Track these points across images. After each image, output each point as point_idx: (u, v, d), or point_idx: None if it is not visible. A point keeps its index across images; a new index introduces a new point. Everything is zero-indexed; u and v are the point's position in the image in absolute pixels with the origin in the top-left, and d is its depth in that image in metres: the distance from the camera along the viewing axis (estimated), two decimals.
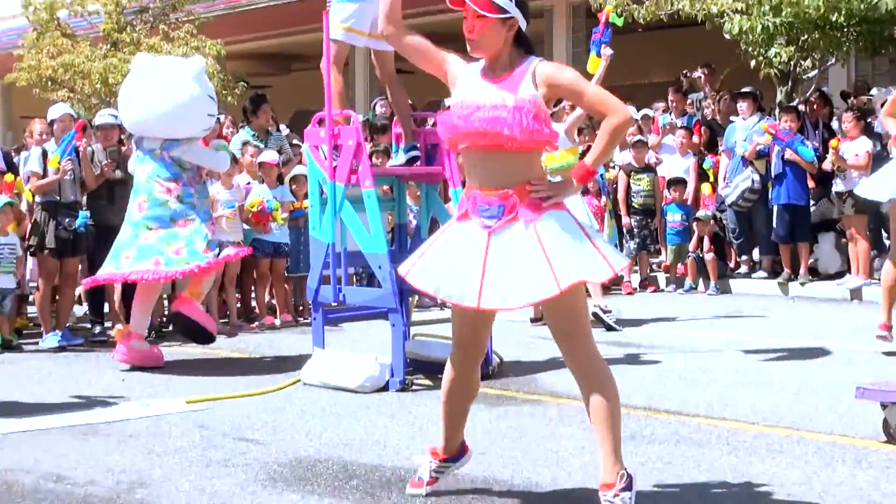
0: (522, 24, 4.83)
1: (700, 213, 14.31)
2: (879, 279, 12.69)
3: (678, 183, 14.46)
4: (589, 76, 10.90)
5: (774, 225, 13.78)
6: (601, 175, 14.46)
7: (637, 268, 14.72)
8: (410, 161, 8.47)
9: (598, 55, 9.78)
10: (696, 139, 15.13)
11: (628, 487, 4.70)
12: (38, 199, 10.56)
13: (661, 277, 14.80)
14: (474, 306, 4.69)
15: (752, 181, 13.78)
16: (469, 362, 5.08)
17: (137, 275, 8.99)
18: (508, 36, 4.80)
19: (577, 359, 4.85)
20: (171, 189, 9.18)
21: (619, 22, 10.82)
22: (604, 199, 14.48)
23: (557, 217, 4.73)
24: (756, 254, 14.56)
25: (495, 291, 4.64)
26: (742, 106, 14.26)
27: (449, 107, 5.22)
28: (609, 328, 10.41)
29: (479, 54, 4.86)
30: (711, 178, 14.88)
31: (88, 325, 11.24)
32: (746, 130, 13.97)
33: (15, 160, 12.02)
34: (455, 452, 5.30)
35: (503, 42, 4.79)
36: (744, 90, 14.40)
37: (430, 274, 4.87)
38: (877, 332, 9.02)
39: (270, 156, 12.16)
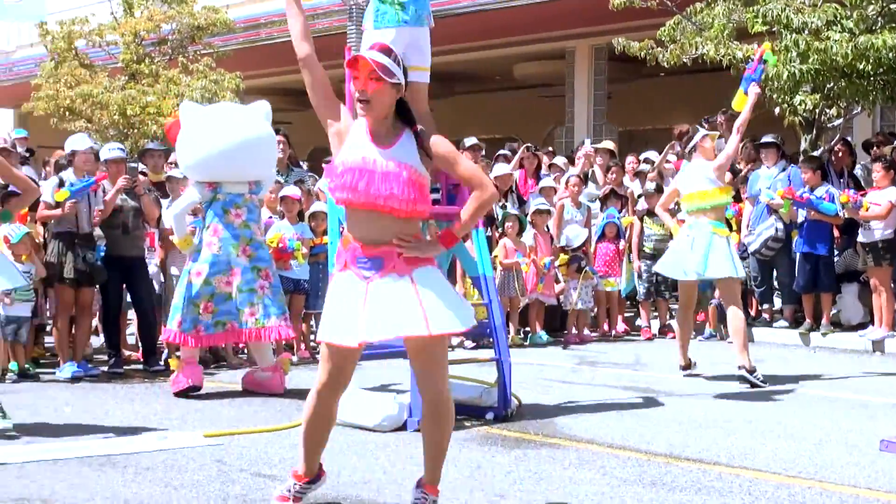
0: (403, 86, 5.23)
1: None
2: None
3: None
4: (733, 114, 11.17)
5: (797, 274, 13.71)
6: (617, 219, 14.43)
7: (657, 313, 14.64)
8: (432, 201, 8.45)
9: (746, 92, 9.80)
10: None
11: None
12: (52, 229, 10.56)
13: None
14: (354, 345, 5.13)
15: (776, 230, 13.71)
16: (330, 391, 5.42)
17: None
18: (395, 98, 5.19)
19: (428, 390, 5.35)
20: (261, 232, 9.66)
21: (773, 61, 10.83)
22: (622, 242, 14.45)
23: (429, 272, 5.20)
24: (777, 302, 14.48)
25: (372, 327, 5.08)
26: (765, 154, 14.19)
27: (330, 160, 5.76)
28: (754, 386, 9.93)
29: (369, 115, 5.19)
30: (734, 227, 14.78)
31: (105, 357, 11.22)
32: (770, 179, 13.89)
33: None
34: (314, 475, 5.67)
35: (391, 104, 5.19)
36: (766, 140, 14.30)
37: (323, 323, 5.30)
38: None
39: (293, 191, 12.16)
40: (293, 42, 5.47)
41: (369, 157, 5.12)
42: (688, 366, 10.62)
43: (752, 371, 9.97)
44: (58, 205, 10.28)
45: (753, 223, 14.04)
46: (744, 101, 9.89)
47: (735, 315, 10.11)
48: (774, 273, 14.09)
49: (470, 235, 5.46)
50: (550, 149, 19.46)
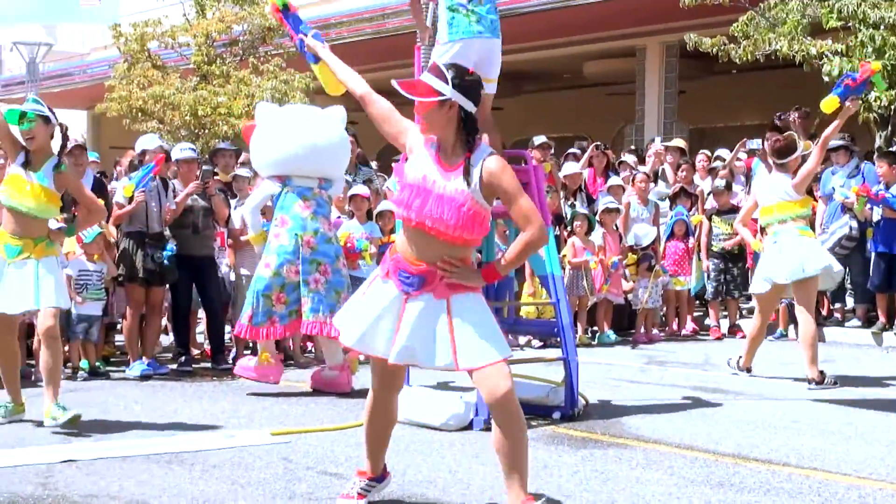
0: (467, 106, 5.15)
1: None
2: None
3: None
4: (819, 116, 11.46)
5: (871, 273, 13.51)
6: (687, 217, 14.31)
7: (726, 313, 14.50)
8: None
9: (842, 101, 9.56)
10: None
11: None
12: (124, 228, 10.67)
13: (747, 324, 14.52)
14: (389, 360, 5.20)
15: (850, 228, 13.53)
16: (386, 391, 5.49)
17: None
18: (451, 116, 5.13)
19: (484, 392, 5.19)
20: (331, 227, 9.75)
21: (882, 86, 10.65)
22: (691, 241, 14.32)
23: (468, 299, 5.19)
24: (850, 302, 14.28)
25: (405, 350, 5.15)
26: (835, 157, 13.99)
27: (399, 159, 5.94)
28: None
29: (428, 134, 5.22)
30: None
31: (171, 355, 11.35)
32: (843, 178, 13.70)
33: (111, 188, 12.13)
34: (379, 474, 5.68)
35: (447, 123, 5.15)
36: (834, 144, 14.02)
37: (353, 327, 5.32)
38: None
39: (362, 189, 12.20)
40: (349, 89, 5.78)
41: (430, 177, 5.13)
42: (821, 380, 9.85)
43: (821, 382, 9.74)
44: (130, 200, 10.41)
45: (827, 222, 13.85)
46: (834, 106, 9.54)
47: (807, 322, 9.79)
48: (848, 272, 13.88)
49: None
50: (632, 148, 19.31)
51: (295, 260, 9.43)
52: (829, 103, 9.56)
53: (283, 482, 6.17)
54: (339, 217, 12.01)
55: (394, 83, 5.23)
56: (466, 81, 5.18)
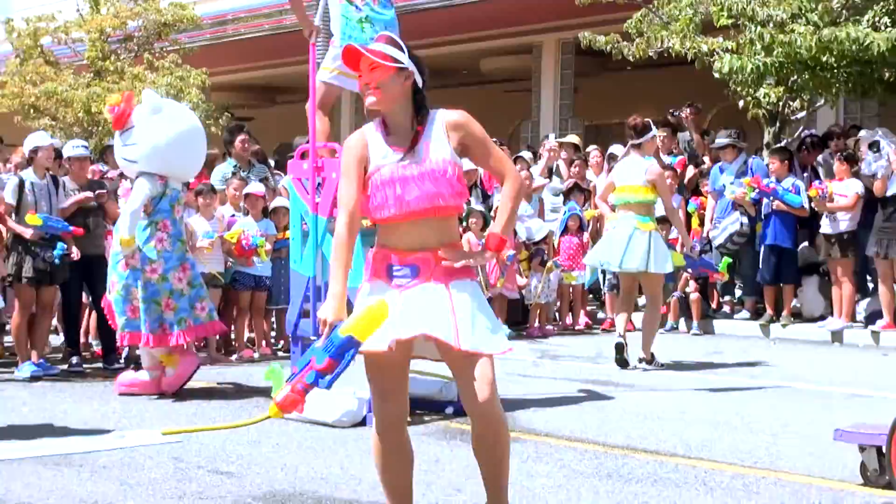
0: (418, 79, 4.75)
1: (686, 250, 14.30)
2: (861, 322, 12.80)
3: (664, 222, 14.34)
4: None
5: (761, 266, 13.77)
6: (580, 211, 14.48)
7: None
8: None
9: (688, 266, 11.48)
10: (678, 173, 15.03)
11: None
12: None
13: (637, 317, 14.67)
14: (384, 349, 4.50)
15: (741, 224, 13.79)
16: (399, 433, 4.78)
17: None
18: (406, 87, 4.72)
19: (469, 405, 4.68)
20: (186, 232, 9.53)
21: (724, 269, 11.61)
22: (585, 235, 14.47)
23: (467, 286, 4.67)
24: (738, 294, 14.57)
25: (403, 325, 4.53)
26: (722, 154, 14.28)
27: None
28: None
29: (377, 107, 4.73)
30: (697, 222, 14.84)
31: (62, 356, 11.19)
32: (731, 175, 13.95)
33: None
34: None
35: (401, 94, 4.72)
36: (720, 142, 14.28)
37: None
38: None
39: (257, 188, 12.15)
40: None
41: (398, 167, 4.66)
42: (649, 360, 10.71)
43: (651, 361, 10.58)
44: (23, 223, 10.23)
45: (717, 218, 14.10)
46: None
47: (653, 309, 10.75)
48: (738, 264, 14.14)
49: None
50: (529, 145, 19.43)
51: (179, 266, 9.27)
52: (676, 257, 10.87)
53: (174, 482, 6.13)
54: (233, 215, 11.96)
55: (358, 47, 4.72)
56: (415, 56, 4.81)
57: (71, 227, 10.39)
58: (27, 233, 10.18)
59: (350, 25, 7.99)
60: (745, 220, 13.82)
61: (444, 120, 4.78)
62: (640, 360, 10.60)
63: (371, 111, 4.79)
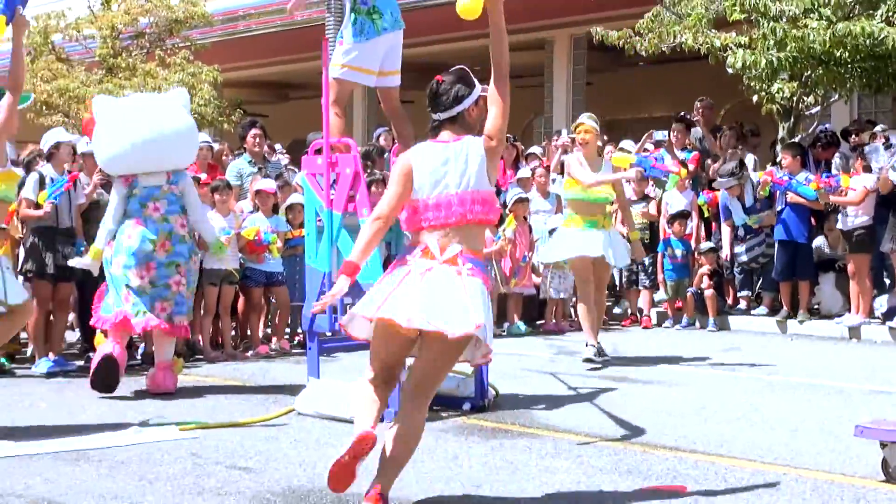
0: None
1: (703, 245, 14.29)
2: (879, 318, 12.75)
3: (680, 217, 14.33)
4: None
5: (775, 261, 13.74)
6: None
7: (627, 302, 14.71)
8: None
9: (636, 165, 11.18)
10: (691, 168, 14.99)
11: None
12: (31, 224, 10.48)
13: (654, 313, 14.67)
14: (404, 323, 5.09)
15: (767, 245, 13.86)
16: (383, 392, 5.49)
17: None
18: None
19: (422, 386, 5.34)
20: (184, 224, 9.33)
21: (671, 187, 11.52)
22: None
23: (478, 284, 5.25)
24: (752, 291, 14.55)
25: (422, 313, 5.09)
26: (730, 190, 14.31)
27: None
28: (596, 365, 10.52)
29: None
30: (706, 214, 14.83)
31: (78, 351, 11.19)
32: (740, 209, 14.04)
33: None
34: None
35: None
36: (722, 182, 14.34)
37: (372, 302, 5.31)
38: None
39: (268, 184, 12.13)
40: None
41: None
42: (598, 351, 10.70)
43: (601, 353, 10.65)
44: (37, 206, 10.27)
45: (744, 236, 14.17)
46: (626, 163, 10.99)
47: (599, 301, 10.94)
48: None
49: None
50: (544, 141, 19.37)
51: (142, 265, 9.07)
52: (621, 159, 10.98)
53: (192, 477, 6.12)
54: (251, 211, 11.94)
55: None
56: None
57: (68, 178, 10.42)
58: (40, 213, 10.24)
59: (360, 19, 8.10)
60: (770, 240, 13.84)
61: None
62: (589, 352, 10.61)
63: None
